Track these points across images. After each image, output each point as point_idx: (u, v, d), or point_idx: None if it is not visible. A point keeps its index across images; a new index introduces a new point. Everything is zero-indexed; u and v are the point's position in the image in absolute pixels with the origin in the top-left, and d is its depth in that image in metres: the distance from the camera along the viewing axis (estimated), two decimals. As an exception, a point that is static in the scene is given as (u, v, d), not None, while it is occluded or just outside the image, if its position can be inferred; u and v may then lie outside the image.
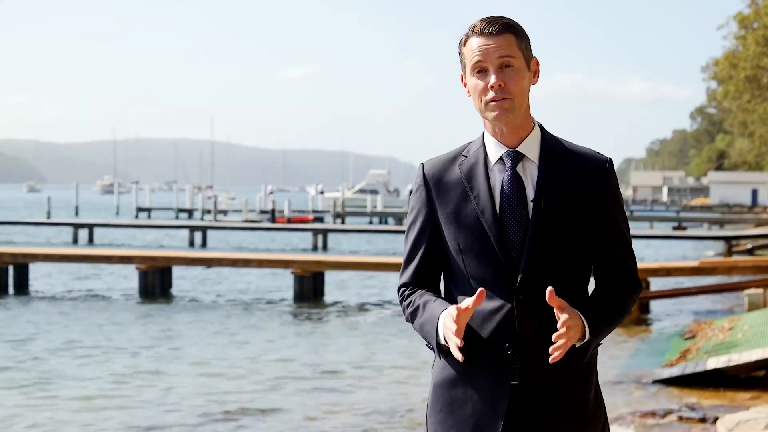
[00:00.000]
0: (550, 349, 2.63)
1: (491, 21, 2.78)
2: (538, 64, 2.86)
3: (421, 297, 2.86)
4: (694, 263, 19.24)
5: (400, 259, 2.98)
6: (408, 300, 2.89)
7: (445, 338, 2.72)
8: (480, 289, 2.64)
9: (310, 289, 19.17)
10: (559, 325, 2.63)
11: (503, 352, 2.74)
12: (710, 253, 35.08)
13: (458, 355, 2.64)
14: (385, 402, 10.07)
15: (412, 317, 2.86)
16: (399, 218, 53.84)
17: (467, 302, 2.65)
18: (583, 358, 2.76)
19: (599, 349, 2.88)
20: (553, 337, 2.62)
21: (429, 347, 2.84)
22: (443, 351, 2.78)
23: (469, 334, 2.77)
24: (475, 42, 2.79)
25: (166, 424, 9.08)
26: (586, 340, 2.72)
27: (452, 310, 2.67)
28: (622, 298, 2.85)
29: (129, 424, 9.12)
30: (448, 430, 2.82)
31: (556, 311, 2.64)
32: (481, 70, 2.78)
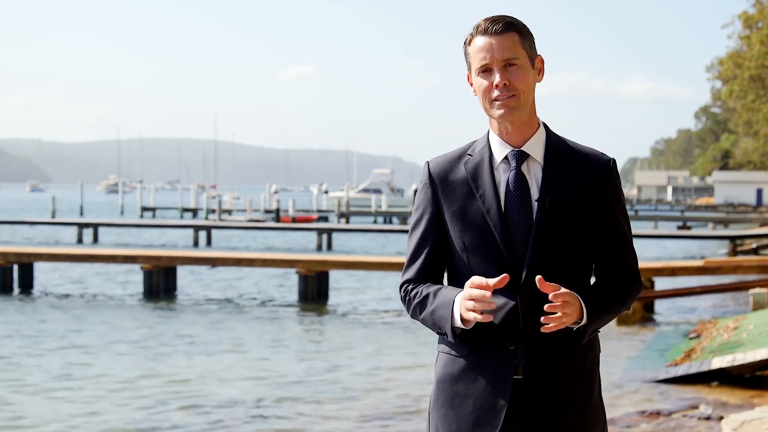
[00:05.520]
0: (542, 318, 2.63)
1: (494, 20, 2.80)
2: (542, 62, 2.88)
3: (429, 287, 2.87)
4: (699, 263, 19.20)
5: (405, 258, 2.98)
6: (414, 292, 2.89)
7: (461, 319, 2.72)
8: (504, 274, 2.65)
9: (314, 288, 19.16)
10: (552, 296, 2.62)
11: (506, 348, 2.76)
12: (715, 252, 35.05)
13: (485, 317, 2.64)
14: (388, 400, 10.07)
15: (420, 307, 2.86)
16: (403, 218, 53.82)
17: (492, 280, 2.64)
18: (580, 342, 2.76)
19: (603, 348, 2.89)
20: (546, 307, 2.63)
21: (440, 333, 2.84)
22: (457, 334, 2.78)
23: (472, 330, 2.78)
24: (479, 41, 2.81)
25: (167, 425, 9.08)
26: (583, 323, 2.73)
27: (477, 279, 2.67)
28: (622, 291, 2.87)
29: (130, 423, 9.13)
30: (449, 426, 2.84)
31: (552, 294, 2.63)
32: (486, 70, 2.80)
